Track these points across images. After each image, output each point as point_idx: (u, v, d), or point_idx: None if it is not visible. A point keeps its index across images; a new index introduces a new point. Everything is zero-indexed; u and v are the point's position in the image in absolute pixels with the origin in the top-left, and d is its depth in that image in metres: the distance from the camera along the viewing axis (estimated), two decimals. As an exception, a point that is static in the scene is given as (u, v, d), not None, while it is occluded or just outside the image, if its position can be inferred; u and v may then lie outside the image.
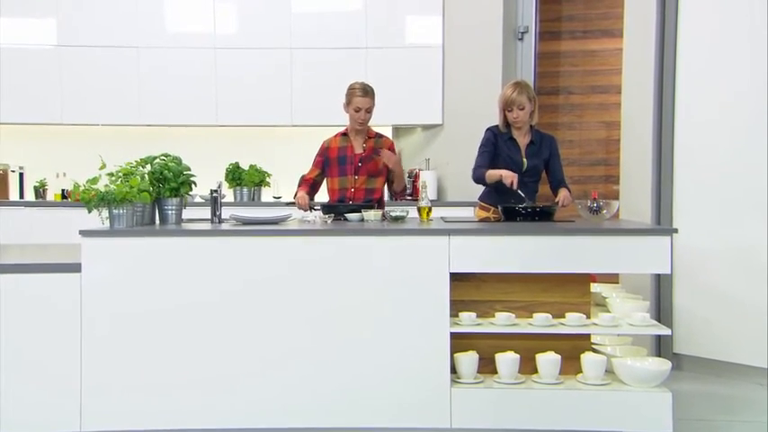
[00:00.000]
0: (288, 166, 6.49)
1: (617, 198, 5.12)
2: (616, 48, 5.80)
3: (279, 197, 6.52)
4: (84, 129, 6.45)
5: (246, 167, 6.43)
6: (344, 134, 4.30)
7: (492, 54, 6.06)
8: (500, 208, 3.83)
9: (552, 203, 3.84)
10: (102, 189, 3.14)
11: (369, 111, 4.19)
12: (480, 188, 4.14)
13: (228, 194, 6.48)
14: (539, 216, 3.67)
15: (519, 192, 3.77)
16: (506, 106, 4.00)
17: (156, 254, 3.10)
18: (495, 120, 5.87)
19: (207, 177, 6.32)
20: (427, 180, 6.00)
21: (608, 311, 3.33)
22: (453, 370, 3.13)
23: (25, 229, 6.01)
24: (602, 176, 6.32)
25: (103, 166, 3.46)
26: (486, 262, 3.09)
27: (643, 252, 3.02)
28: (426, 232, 3.13)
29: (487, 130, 4.15)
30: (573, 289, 3.23)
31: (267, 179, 6.47)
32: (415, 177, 6.31)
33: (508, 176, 3.83)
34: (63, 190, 6.53)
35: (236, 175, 6.41)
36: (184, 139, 6.54)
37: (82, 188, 3.17)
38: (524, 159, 4.03)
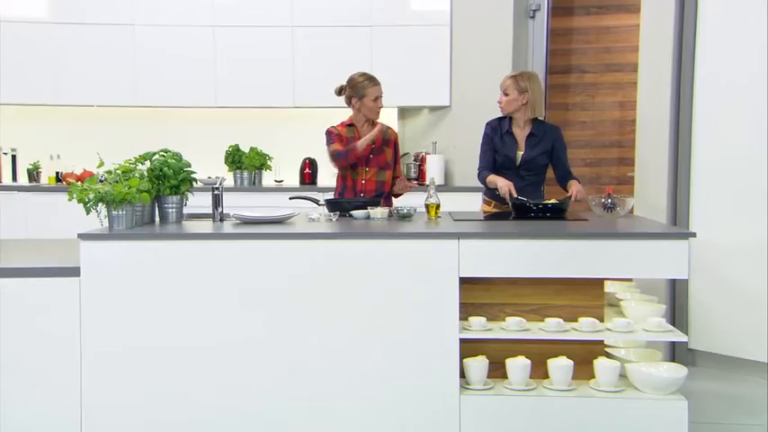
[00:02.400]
0: (290, 149, 6.51)
1: (631, 192, 5.12)
2: (632, 24, 5.75)
3: (280, 181, 6.53)
4: (78, 110, 6.44)
5: (247, 150, 6.43)
6: (350, 125, 4.26)
7: (502, 32, 6.02)
8: (511, 204, 3.86)
9: (564, 198, 3.83)
10: (101, 189, 3.13)
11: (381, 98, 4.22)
12: None
13: (228, 178, 6.49)
14: (551, 213, 3.67)
15: (520, 198, 3.81)
16: (501, 89, 4.09)
17: (157, 257, 3.10)
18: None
19: (206, 161, 6.37)
20: (434, 171, 6.05)
21: (622, 314, 3.34)
22: (462, 374, 3.15)
23: (19, 215, 6.05)
24: (616, 159, 6.29)
25: (101, 164, 3.46)
26: (496, 266, 3.09)
27: (659, 257, 3.01)
28: (435, 236, 3.13)
29: (486, 124, 4.20)
30: (586, 292, 3.24)
31: (268, 162, 6.47)
32: (421, 161, 6.30)
33: (503, 187, 3.90)
34: (57, 172, 6.55)
35: (236, 158, 6.41)
36: (182, 120, 6.55)
37: (80, 188, 3.16)
38: (518, 153, 4.05)
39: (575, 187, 3.96)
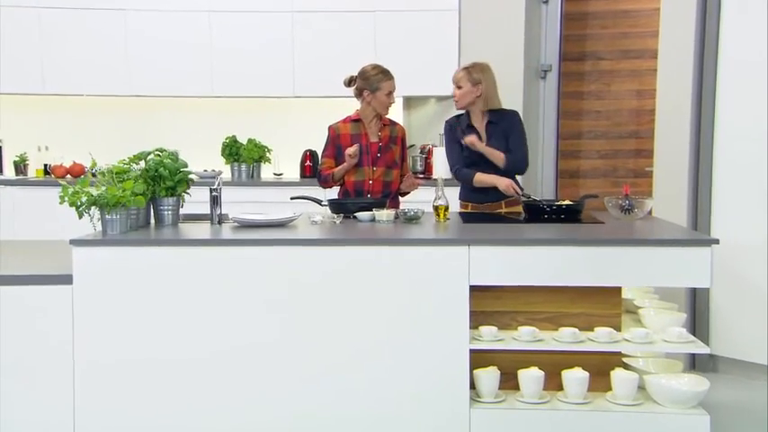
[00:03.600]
0: (289, 141, 6.51)
1: (649, 186, 5.12)
2: (652, 8, 5.72)
3: (280, 174, 6.54)
4: (67, 99, 6.45)
5: (244, 142, 6.43)
6: (355, 120, 4.26)
7: (514, 17, 5.99)
8: (523, 205, 3.87)
9: (580, 200, 3.83)
10: (94, 193, 3.13)
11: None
12: None
13: (225, 171, 6.50)
14: (565, 215, 3.68)
15: (519, 192, 3.91)
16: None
17: (153, 263, 3.11)
18: (517, 90, 5.93)
19: (202, 153, 6.38)
20: (441, 164, 6.03)
21: (640, 322, 3.35)
22: (472, 386, 3.17)
23: (6, 211, 6.06)
24: (633, 150, 6.27)
25: (94, 165, 3.46)
26: (508, 274, 3.10)
27: (680, 264, 3.02)
28: (444, 242, 3.14)
29: (445, 123, 4.28)
30: (602, 299, 3.25)
31: (267, 154, 6.48)
32: (427, 154, 6.30)
33: (507, 187, 3.94)
34: (45, 165, 6.57)
35: (233, 151, 6.42)
36: (177, 110, 6.56)
37: (72, 191, 3.16)
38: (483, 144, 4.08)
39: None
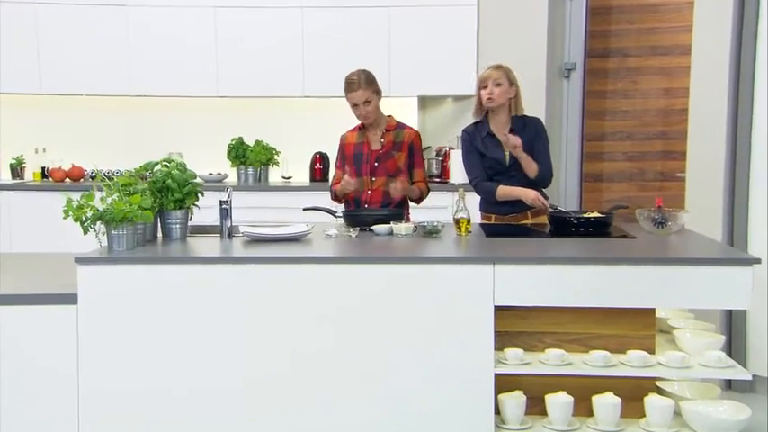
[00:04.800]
0: (298, 143, 6.51)
1: (680, 190, 5.10)
2: (682, 1, 5.70)
3: (289, 178, 6.54)
4: (65, 99, 6.47)
5: (251, 144, 6.44)
6: (362, 127, 4.24)
7: (536, 12, 5.99)
8: (548, 217, 3.86)
9: (609, 211, 3.82)
10: (100, 206, 3.14)
11: (368, 102, 4.10)
12: None
13: (231, 174, 6.51)
14: (594, 228, 3.67)
15: (546, 205, 3.90)
16: (482, 84, 4.06)
17: (162, 282, 3.11)
18: (539, 91, 5.92)
19: (206, 156, 6.40)
20: (458, 167, 6.01)
21: (674, 343, 3.33)
22: (497, 410, 3.16)
23: (2, 215, 6.08)
24: (660, 152, 6.24)
25: (99, 178, 3.46)
26: (535, 294, 3.09)
27: (718, 285, 3.00)
28: (467, 260, 3.14)
29: (463, 132, 4.22)
30: (634, 320, 3.23)
31: (275, 157, 6.48)
32: (444, 157, 6.29)
33: (534, 199, 3.92)
34: (43, 168, 6.59)
35: (239, 153, 6.42)
36: (180, 111, 6.57)
37: (75, 204, 3.17)
38: (506, 153, 4.05)
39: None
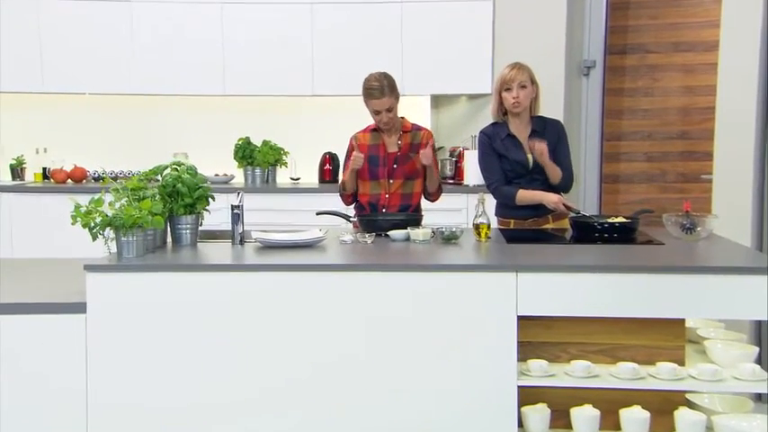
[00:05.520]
0: (307, 143, 6.51)
1: (706, 192, 5.07)
2: (706, -5, 5.69)
3: (297, 179, 6.54)
4: (67, 98, 6.47)
5: (259, 144, 6.43)
6: (376, 129, 4.23)
7: (554, 6, 5.96)
8: (571, 222, 3.85)
9: (635, 216, 3.80)
10: (109, 213, 3.13)
11: (391, 110, 4.09)
12: None
13: (238, 175, 6.51)
14: (618, 234, 3.65)
15: (574, 208, 3.91)
16: (504, 86, 4.02)
17: (174, 290, 3.10)
18: (557, 89, 5.90)
19: (213, 156, 6.40)
20: (473, 168, 6.00)
21: (704, 353, 3.31)
22: (519, 423, 3.14)
23: (3, 217, 6.08)
24: (681, 152, 6.21)
25: (107, 181, 3.46)
26: (560, 303, 3.07)
27: (751, 295, 2.96)
28: (489, 268, 3.12)
29: (481, 133, 4.19)
30: (663, 330, 3.21)
31: (283, 158, 6.48)
32: (458, 158, 6.28)
33: (553, 201, 3.91)
34: (44, 168, 6.60)
35: (246, 153, 6.42)
36: (186, 110, 6.58)
37: (83, 210, 3.16)
38: (528, 156, 4.04)
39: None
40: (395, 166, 4.16)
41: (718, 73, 4.89)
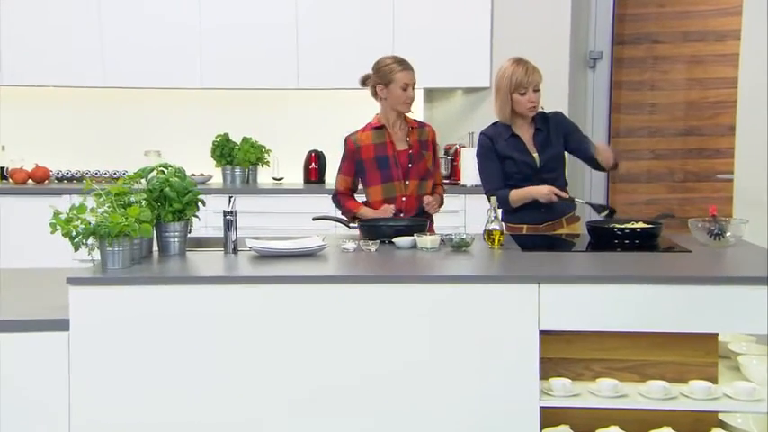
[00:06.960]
0: (291, 140, 6.47)
1: (725, 191, 5.08)
2: (721, -20, 5.71)
3: (280, 179, 6.49)
4: (28, 92, 6.38)
5: (239, 141, 6.39)
6: (378, 127, 4.17)
7: (556, -3, 5.98)
8: (587, 228, 3.84)
9: (656, 220, 3.80)
10: (92, 218, 3.07)
11: (414, 88, 4.13)
12: None
13: (216, 175, 6.45)
14: (640, 240, 3.65)
15: (565, 196, 3.97)
16: (516, 89, 4.01)
17: (162, 305, 3.05)
18: (561, 82, 5.89)
19: (188, 154, 6.34)
20: (470, 167, 5.98)
21: (737, 369, 3.30)
22: (540, 445, 3.13)
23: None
24: (692, 150, 6.23)
25: (88, 186, 3.39)
26: (586, 318, 3.04)
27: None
28: (508, 279, 3.09)
29: (481, 135, 4.19)
30: (694, 346, 3.20)
31: (265, 156, 6.43)
32: (454, 156, 6.26)
33: (544, 193, 3.94)
34: (3, 168, 6.51)
35: (225, 151, 6.38)
36: (160, 105, 6.52)
37: (64, 217, 3.10)
38: (535, 155, 4.06)
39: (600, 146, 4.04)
40: (410, 165, 4.11)
41: (740, 64, 4.90)
